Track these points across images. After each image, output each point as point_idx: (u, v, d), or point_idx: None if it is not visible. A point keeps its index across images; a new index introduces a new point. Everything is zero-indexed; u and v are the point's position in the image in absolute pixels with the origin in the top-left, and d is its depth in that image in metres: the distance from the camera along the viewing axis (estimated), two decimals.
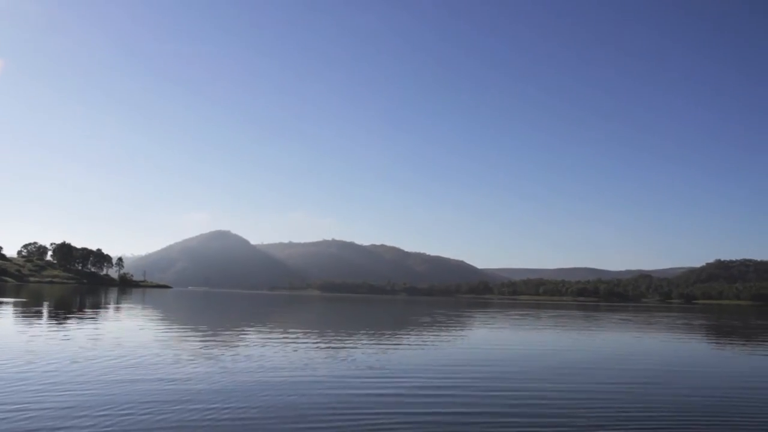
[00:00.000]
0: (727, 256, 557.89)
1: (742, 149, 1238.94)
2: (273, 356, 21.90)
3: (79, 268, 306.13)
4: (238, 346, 25.46)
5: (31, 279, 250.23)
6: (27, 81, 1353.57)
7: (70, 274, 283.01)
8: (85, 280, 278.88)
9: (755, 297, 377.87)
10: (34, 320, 38.06)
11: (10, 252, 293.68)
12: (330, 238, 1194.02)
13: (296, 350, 24.21)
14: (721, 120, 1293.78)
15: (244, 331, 34.88)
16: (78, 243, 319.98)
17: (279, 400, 13.86)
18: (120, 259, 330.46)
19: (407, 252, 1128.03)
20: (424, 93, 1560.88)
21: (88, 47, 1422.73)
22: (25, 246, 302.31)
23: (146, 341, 25.97)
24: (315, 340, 29.40)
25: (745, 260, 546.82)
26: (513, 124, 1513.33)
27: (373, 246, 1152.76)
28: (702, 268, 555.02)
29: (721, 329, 58.49)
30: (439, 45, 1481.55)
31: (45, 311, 49.31)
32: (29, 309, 51.51)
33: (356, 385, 16.34)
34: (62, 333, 28.63)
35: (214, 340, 27.81)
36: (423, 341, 31.14)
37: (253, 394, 14.46)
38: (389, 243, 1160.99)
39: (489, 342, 33.40)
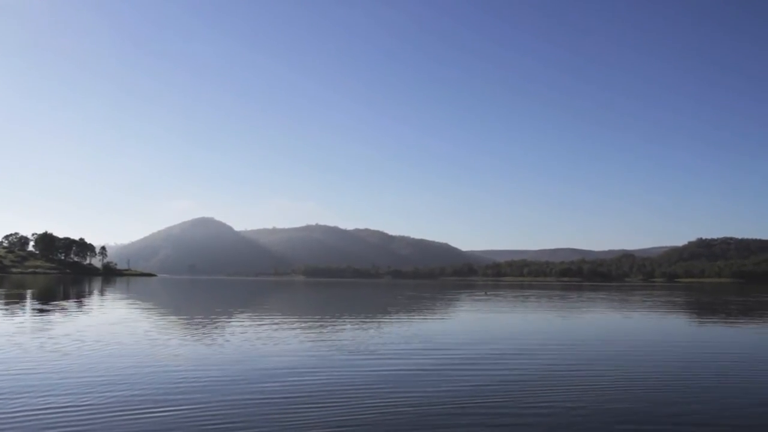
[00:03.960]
0: (708, 234, 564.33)
1: (723, 128, 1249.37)
2: (257, 341, 22.29)
3: (62, 257, 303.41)
4: (224, 332, 25.71)
5: (13, 270, 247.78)
6: (4, 70, 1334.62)
7: (52, 264, 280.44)
8: (68, 270, 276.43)
9: (736, 274, 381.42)
10: (16, 312, 38.08)
11: None
12: (314, 223, 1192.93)
13: (277, 335, 24.57)
14: (701, 100, 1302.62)
15: (229, 317, 35.10)
16: (60, 232, 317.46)
17: (261, 385, 14.18)
18: (103, 248, 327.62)
19: (391, 235, 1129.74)
20: (405, 78, 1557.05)
21: (71, 36, 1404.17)
22: (6, 237, 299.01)
23: (132, 329, 26.18)
24: (297, 325, 29.74)
25: (727, 238, 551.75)
26: (495, 108, 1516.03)
27: (357, 230, 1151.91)
28: (684, 247, 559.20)
29: (688, 305, 59.53)
30: (419, 33, 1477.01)
31: (28, 302, 49.27)
32: (16, 300, 51.41)
33: (335, 367, 16.79)
34: (45, 323, 28.75)
35: (201, 327, 28.01)
36: (399, 324, 31.67)
37: (238, 379, 14.79)
38: (373, 227, 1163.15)
39: (451, 324, 33.98)
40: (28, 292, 67.21)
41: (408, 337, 24.72)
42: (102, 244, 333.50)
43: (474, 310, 47.45)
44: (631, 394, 13.72)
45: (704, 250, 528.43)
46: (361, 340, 23.33)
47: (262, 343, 21.83)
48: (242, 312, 39.87)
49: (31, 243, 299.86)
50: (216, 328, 27.82)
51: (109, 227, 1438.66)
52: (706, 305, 60.99)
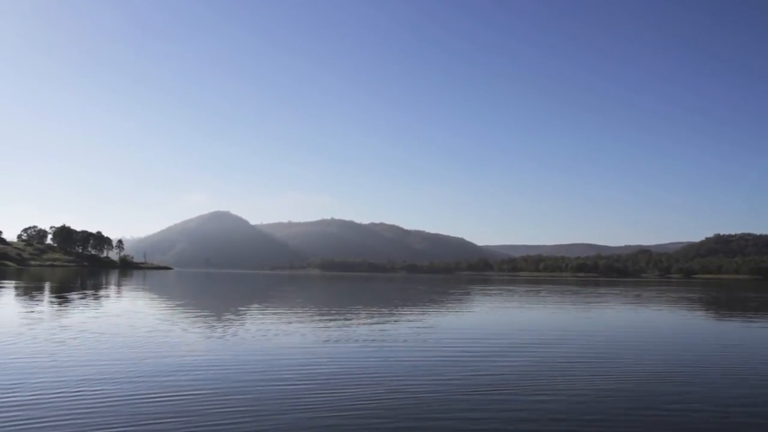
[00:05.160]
0: (726, 230, 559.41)
1: (741, 125, 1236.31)
2: (260, 332, 22.55)
3: (80, 251, 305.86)
4: (242, 325, 25.92)
5: (32, 263, 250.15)
6: (23, 63, 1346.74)
7: (70, 257, 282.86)
8: (85, 263, 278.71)
9: (754, 271, 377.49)
10: (36, 303, 38.58)
11: (10, 236, 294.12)
12: (329, 217, 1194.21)
13: (293, 328, 24.77)
14: (719, 95, 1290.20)
15: (247, 310, 35.40)
16: (77, 226, 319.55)
17: (267, 372, 14.34)
18: (120, 242, 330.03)
19: (407, 230, 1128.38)
20: (421, 73, 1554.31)
21: (89, 30, 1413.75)
22: (25, 230, 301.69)
23: (151, 321, 26.50)
24: (307, 316, 29.94)
25: (745, 234, 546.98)
26: (511, 103, 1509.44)
27: (373, 224, 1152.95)
28: (701, 243, 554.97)
29: (703, 301, 59.09)
30: (435, 28, 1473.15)
31: (46, 294, 49.89)
32: (36, 292, 52.09)
33: (342, 356, 16.93)
34: (60, 314, 29.14)
35: (216, 318, 28.26)
36: (408, 316, 31.79)
37: (247, 367, 14.94)
38: (388, 221, 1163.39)
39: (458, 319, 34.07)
40: (46, 285, 67.98)
41: (415, 328, 24.87)
42: (119, 238, 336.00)
43: (484, 304, 47.48)
44: (636, 385, 13.78)
45: (722, 246, 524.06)
46: (369, 331, 23.52)
47: (262, 334, 22.22)
48: (256, 304, 40.15)
49: (49, 236, 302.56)
50: (231, 319, 28.05)
51: (126, 221, 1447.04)
52: (722, 302, 60.60)
